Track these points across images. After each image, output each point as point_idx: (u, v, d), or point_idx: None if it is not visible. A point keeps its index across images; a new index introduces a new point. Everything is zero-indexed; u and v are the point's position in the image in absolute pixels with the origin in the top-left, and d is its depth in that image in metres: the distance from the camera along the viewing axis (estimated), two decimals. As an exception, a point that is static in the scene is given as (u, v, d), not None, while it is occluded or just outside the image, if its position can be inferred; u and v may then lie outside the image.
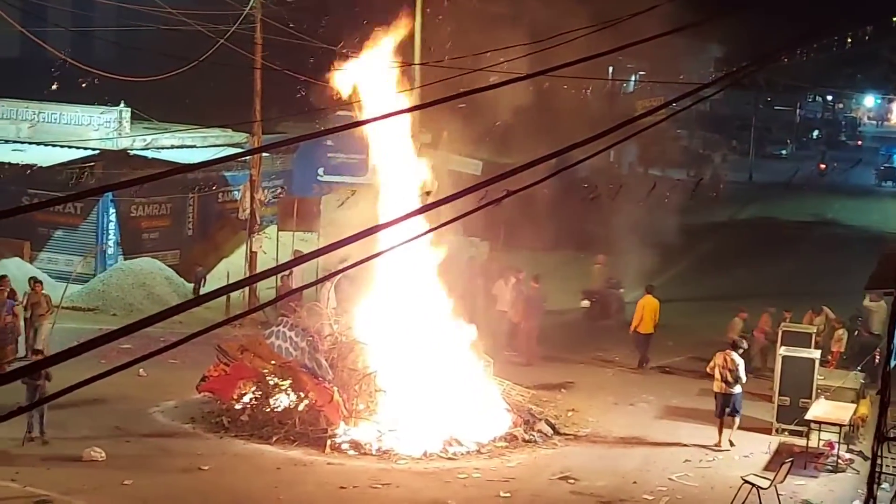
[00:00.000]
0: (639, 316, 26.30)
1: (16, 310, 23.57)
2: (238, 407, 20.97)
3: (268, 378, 21.07)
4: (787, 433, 21.54)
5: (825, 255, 41.38)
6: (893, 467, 18.58)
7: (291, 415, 20.47)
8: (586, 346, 27.94)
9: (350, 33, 24.43)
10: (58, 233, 31.40)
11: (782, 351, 22.44)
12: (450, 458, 19.64)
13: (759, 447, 20.97)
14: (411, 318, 21.42)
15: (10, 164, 30.76)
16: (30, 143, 31.36)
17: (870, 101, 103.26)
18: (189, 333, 6.09)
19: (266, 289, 27.99)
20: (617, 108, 42.23)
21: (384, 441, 19.73)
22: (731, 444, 20.97)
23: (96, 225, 31.17)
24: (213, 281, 30.61)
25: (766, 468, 19.39)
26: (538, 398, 23.08)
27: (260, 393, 21.08)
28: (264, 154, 32.12)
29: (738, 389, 21.05)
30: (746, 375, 21.37)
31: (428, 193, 21.73)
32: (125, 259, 31.09)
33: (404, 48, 25.11)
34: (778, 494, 17.98)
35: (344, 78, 22.00)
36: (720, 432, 21.06)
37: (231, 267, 31.19)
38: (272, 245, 30.60)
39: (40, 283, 24.90)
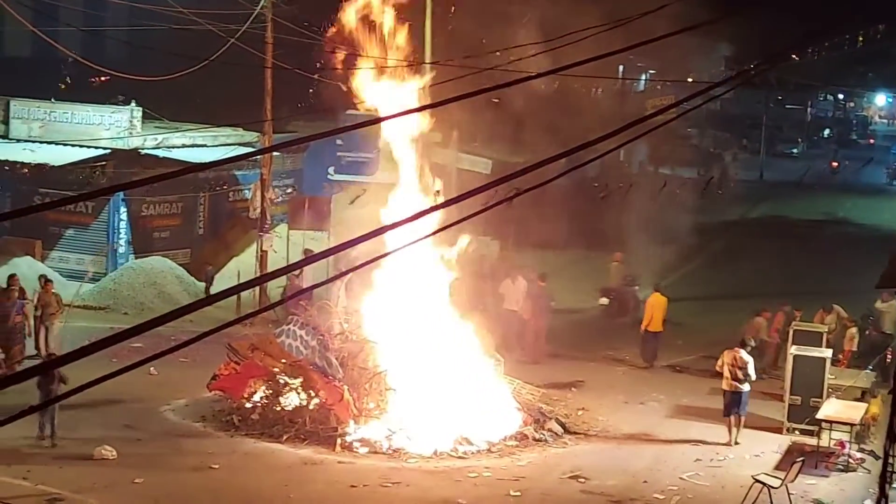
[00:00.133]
0: (649, 315, 26.34)
1: (26, 309, 23.61)
2: (248, 405, 20.99)
3: (278, 377, 21.09)
4: (797, 432, 21.51)
5: (836, 254, 41.28)
6: (905, 467, 18.53)
7: (302, 413, 20.49)
8: (597, 344, 27.93)
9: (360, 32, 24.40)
10: (69, 232, 31.47)
11: (793, 350, 22.42)
12: (460, 457, 19.64)
13: (770, 446, 20.95)
14: (421, 317, 21.42)
15: (21, 163, 30.84)
16: (41, 142, 31.44)
17: (881, 99, 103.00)
18: (200, 332, 6.11)
19: (276, 288, 28.03)
20: (627, 107, 42.17)
21: (394, 440, 19.74)
22: (736, 442, 20.99)
23: (107, 224, 31.22)
24: (224, 280, 30.64)
25: (777, 467, 19.36)
26: (548, 397, 23.08)
27: (270, 391, 21.10)
28: (275, 153, 32.16)
29: (746, 388, 21.06)
30: (760, 375, 21.35)
31: (437, 193, 21.74)
32: (136, 258, 31.16)
33: (414, 47, 25.14)
34: (789, 494, 17.95)
35: (354, 77, 22.02)
36: (730, 430, 21.06)
37: (242, 266, 31.23)
38: (283, 244, 30.64)
39: (51, 282, 24.99)
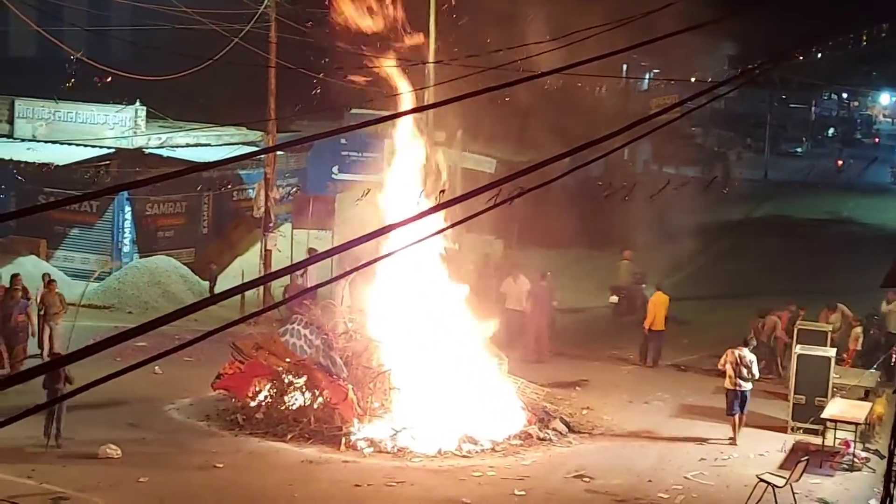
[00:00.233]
0: (652, 314, 26.36)
1: (29, 309, 23.59)
2: (253, 405, 21.00)
3: (283, 376, 21.10)
4: (802, 431, 21.50)
5: (840, 253, 41.23)
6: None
7: (306, 413, 20.49)
8: (601, 343, 27.92)
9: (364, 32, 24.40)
10: (74, 231, 31.50)
11: (798, 349, 22.40)
12: (464, 456, 19.65)
13: (775, 445, 20.93)
14: (425, 316, 21.42)
15: (26, 162, 30.86)
16: (46, 141, 31.47)
17: (885, 98, 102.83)
18: (204, 331, 6.11)
19: (279, 287, 28.05)
20: (631, 107, 42.15)
21: (399, 439, 19.74)
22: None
23: (112, 223, 31.25)
24: (228, 279, 30.65)
25: (782, 467, 19.33)
26: (553, 396, 23.07)
27: (275, 391, 21.11)
28: (279, 153, 32.17)
29: (749, 386, 21.10)
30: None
31: (442, 192, 21.75)
32: (140, 257, 31.18)
33: (419, 46, 25.14)
34: (793, 493, 17.94)
35: (359, 76, 22.05)
36: (735, 429, 21.07)
37: (246, 265, 31.26)
38: (287, 243, 30.65)
39: (54, 281, 24.94)
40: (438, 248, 21.91)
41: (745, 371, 20.96)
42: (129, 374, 5.66)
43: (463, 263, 22.59)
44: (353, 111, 32.95)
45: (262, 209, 30.21)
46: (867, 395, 22.31)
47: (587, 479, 18.88)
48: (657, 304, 26.43)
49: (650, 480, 19.04)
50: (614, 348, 27.55)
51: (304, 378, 20.85)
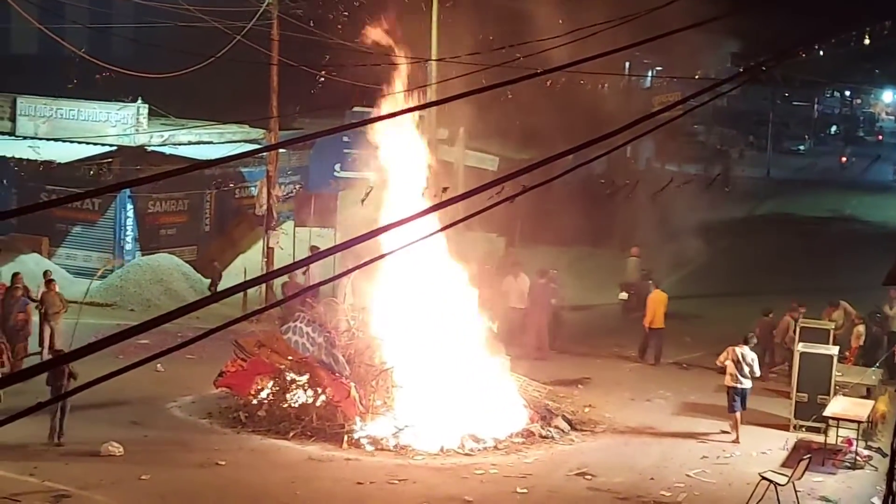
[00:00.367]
0: (651, 312, 26.39)
1: (28, 308, 23.53)
2: (255, 402, 21.00)
3: (285, 374, 21.10)
4: (804, 429, 21.49)
5: (843, 251, 41.21)
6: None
7: (308, 410, 20.49)
8: (604, 341, 27.92)
9: (366, 30, 24.40)
10: (76, 229, 31.51)
11: (800, 347, 22.38)
12: (467, 454, 19.64)
13: (777, 443, 20.93)
14: (428, 314, 21.42)
15: (28, 160, 30.86)
16: (48, 139, 31.46)
17: (888, 96, 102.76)
18: (206, 329, 6.11)
19: (280, 284, 28.04)
20: (634, 104, 42.14)
21: (401, 437, 19.74)
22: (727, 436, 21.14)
23: (114, 221, 31.26)
24: (230, 277, 30.65)
25: (784, 465, 19.32)
26: (555, 394, 23.06)
27: (277, 388, 21.10)
28: (281, 150, 32.17)
29: (749, 384, 21.15)
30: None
31: (445, 189, 21.74)
32: (143, 255, 31.19)
33: (421, 44, 25.14)
34: (796, 491, 17.92)
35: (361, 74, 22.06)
36: (737, 427, 21.07)
37: (248, 263, 31.28)
38: (289, 241, 30.65)
39: (53, 280, 24.72)
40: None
41: (746, 369, 20.99)
42: (131, 371, 5.67)
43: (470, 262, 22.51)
44: (356, 109, 32.94)
45: (265, 207, 30.21)
46: (869, 393, 22.30)
47: (589, 477, 18.87)
48: (656, 302, 26.48)
49: (652, 478, 19.04)
50: (616, 346, 27.54)
51: (307, 376, 20.85)
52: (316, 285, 24.52)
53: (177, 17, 28.56)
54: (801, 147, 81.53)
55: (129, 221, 31.32)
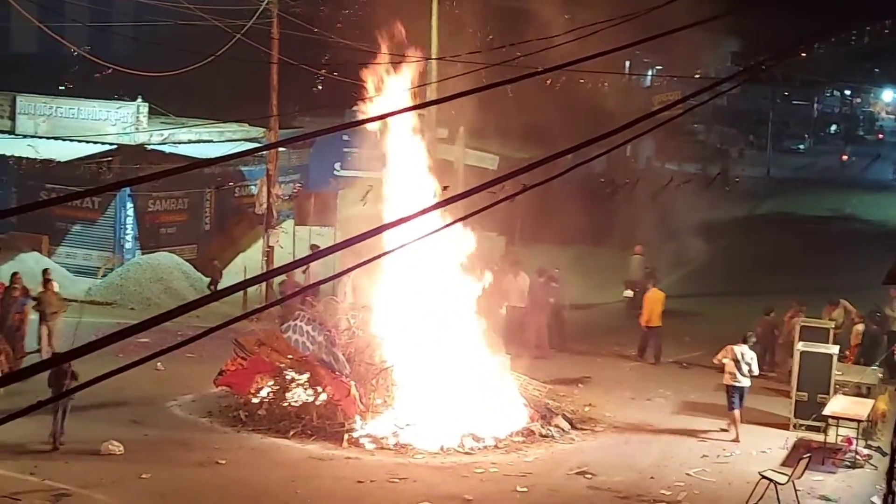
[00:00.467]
0: (648, 310, 26.43)
1: (25, 308, 23.43)
2: (255, 401, 21.00)
3: (285, 372, 21.10)
4: (804, 429, 21.48)
5: (843, 250, 41.21)
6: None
7: (309, 409, 20.49)
8: (604, 340, 27.92)
9: (367, 28, 24.43)
10: (76, 227, 31.50)
11: (800, 346, 22.38)
12: (467, 453, 19.64)
13: (777, 443, 20.92)
14: (428, 313, 21.41)
15: (28, 159, 30.85)
16: (47, 138, 31.46)
17: (888, 95, 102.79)
18: (206, 328, 6.10)
19: (278, 283, 28.04)
20: (634, 103, 42.14)
21: (401, 435, 19.74)
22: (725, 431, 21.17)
23: (114, 220, 31.25)
24: (230, 276, 30.65)
25: (784, 464, 19.32)
26: (555, 393, 23.06)
27: (277, 387, 21.10)
28: (281, 149, 32.17)
29: (747, 382, 21.19)
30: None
31: (445, 188, 21.72)
32: (143, 254, 31.18)
33: (421, 43, 25.10)
34: (796, 490, 17.92)
35: (362, 73, 22.04)
36: (737, 426, 21.09)
37: (248, 262, 31.28)
38: (289, 240, 30.65)
39: (51, 280, 24.58)
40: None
41: (745, 368, 21.03)
42: (132, 370, 5.66)
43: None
44: (355, 108, 32.91)
45: (265, 206, 30.21)
46: (869, 391, 22.30)
47: (589, 476, 18.87)
48: (652, 301, 26.55)
49: (652, 477, 19.03)
50: (616, 345, 27.54)
51: (307, 375, 20.85)
52: (315, 284, 24.48)
53: (177, 15, 28.55)
54: (801, 146, 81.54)
55: (129, 220, 31.31)
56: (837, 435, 20.49)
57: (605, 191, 42.40)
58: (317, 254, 11.61)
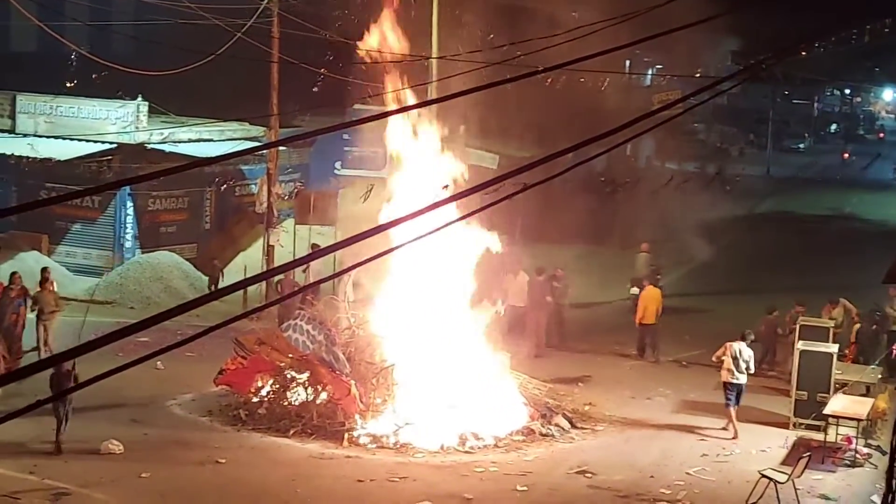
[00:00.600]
0: (642, 307, 26.48)
1: (21, 309, 23.35)
2: (255, 400, 21.00)
3: (285, 371, 21.10)
4: (804, 428, 21.49)
5: (843, 250, 41.20)
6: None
7: (309, 408, 20.49)
8: (604, 339, 27.92)
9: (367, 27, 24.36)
10: (76, 226, 31.51)
11: (800, 345, 22.38)
12: (467, 452, 19.65)
13: (777, 442, 20.93)
14: (429, 312, 21.41)
15: (28, 158, 30.84)
16: (47, 136, 31.46)
17: (888, 94, 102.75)
18: (206, 327, 6.10)
19: (276, 282, 28.03)
20: (634, 102, 42.12)
21: (401, 434, 19.74)
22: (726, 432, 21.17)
23: (114, 218, 31.25)
24: (231, 275, 30.63)
25: (784, 463, 19.34)
26: (555, 392, 23.07)
27: (277, 386, 21.10)
28: (281, 148, 32.15)
29: (744, 379, 21.26)
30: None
31: (445, 187, 21.71)
32: (143, 252, 31.18)
33: (422, 42, 25.10)
34: (795, 489, 17.92)
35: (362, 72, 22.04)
36: (733, 422, 21.13)
37: (248, 261, 31.27)
38: (289, 239, 30.65)
39: (48, 280, 24.45)
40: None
41: (742, 365, 21.11)
42: (131, 369, 5.66)
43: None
44: (356, 107, 32.91)
45: (265, 205, 30.21)
46: (869, 390, 22.31)
47: (589, 475, 18.87)
48: (647, 299, 26.60)
49: (652, 476, 19.04)
50: (617, 343, 27.54)
51: (307, 374, 20.85)
52: (313, 284, 24.51)
53: (177, 14, 28.53)
54: (802, 145, 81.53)
55: (129, 219, 31.31)
56: (837, 434, 20.50)
57: (606, 190, 42.35)
58: (317, 253, 11.62)
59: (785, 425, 21.74)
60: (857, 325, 25.39)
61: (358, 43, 23.44)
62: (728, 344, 21.40)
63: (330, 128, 20.14)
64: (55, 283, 24.80)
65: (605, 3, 21.60)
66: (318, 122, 31.92)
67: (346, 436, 19.71)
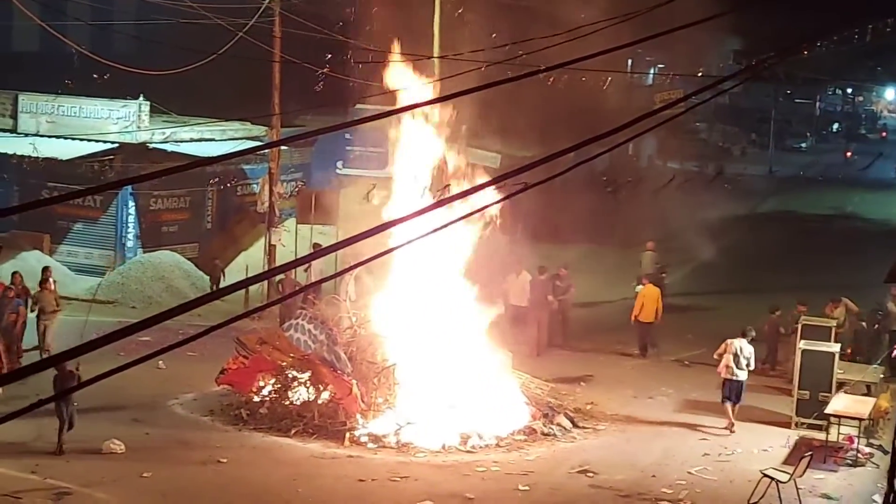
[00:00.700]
0: (639, 304, 26.53)
1: (21, 309, 23.34)
2: (257, 400, 21.00)
3: (287, 371, 21.10)
4: (806, 427, 21.49)
5: (845, 249, 41.19)
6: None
7: (310, 408, 20.49)
8: (606, 338, 27.91)
9: (368, 26, 24.41)
10: (77, 226, 31.51)
11: (802, 345, 22.37)
12: (468, 452, 19.64)
13: (779, 441, 20.93)
14: (430, 311, 21.41)
15: (30, 157, 30.83)
16: (49, 136, 31.45)
17: (891, 93, 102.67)
18: (208, 326, 6.09)
19: (277, 281, 28.02)
20: (636, 101, 42.12)
21: (403, 434, 19.74)
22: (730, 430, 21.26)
23: (116, 218, 31.26)
24: (232, 274, 30.65)
25: (786, 462, 19.34)
26: (557, 391, 23.07)
27: (279, 386, 21.10)
28: (283, 147, 32.15)
29: (744, 376, 21.33)
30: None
31: (447, 187, 21.70)
32: (144, 252, 31.18)
33: (424, 41, 25.09)
34: (797, 488, 17.92)
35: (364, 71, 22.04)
36: (729, 416, 21.20)
37: (250, 260, 31.27)
38: (291, 238, 30.64)
39: (48, 280, 24.43)
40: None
41: (743, 361, 21.15)
42: (133, 369, 5.65)
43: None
44: (358, 106, 32.92)
45: (266, 204, 30.20)
46: (870, 390, 22.30)
47: (591, 475, 18.87)
48: (644, 297, 26.63)
49: (654, 475, 19.03)
50: (618, 343, 27.53)
51: (309, 373, 20.85)
52: (313, 284, 24.52)
53: (178, 13, 28.52)
54: (804, 144, 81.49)
55: (131, 218, 31.31)
56: (839, 433, 20.49)
57: (608, 189, 42.36)
58: (318, 252, 11.62)
59: (787, 425, 21.74)
60: (855, 325, 25.38)
61: (359, 42, 23.45)
62: (729, 341, 21.46)
63: (331, 127, 20.15)
64: (55, 283, 24.78)
65: (606, 2, 21.60)
66: (320, 122, 31.91)
67: (347, 435, 19.71)
